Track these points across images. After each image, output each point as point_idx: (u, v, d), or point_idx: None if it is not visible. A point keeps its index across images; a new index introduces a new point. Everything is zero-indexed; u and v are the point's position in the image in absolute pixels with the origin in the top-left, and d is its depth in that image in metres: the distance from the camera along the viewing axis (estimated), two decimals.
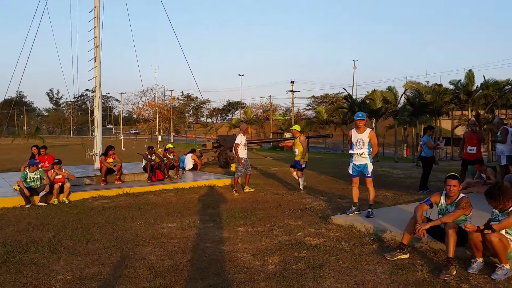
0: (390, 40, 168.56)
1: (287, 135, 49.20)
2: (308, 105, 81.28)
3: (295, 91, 55.37)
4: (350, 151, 7.18)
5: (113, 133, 77.80)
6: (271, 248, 5.56)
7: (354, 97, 39.17)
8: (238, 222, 7.15)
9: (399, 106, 33.99)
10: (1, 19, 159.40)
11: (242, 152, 10.39)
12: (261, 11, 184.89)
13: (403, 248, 5.02)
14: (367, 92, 37.74)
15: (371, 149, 7.04)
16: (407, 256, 5.00)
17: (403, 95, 34.38)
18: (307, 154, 10.61)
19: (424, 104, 30.71)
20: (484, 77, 32.28)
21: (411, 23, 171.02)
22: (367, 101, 34.51)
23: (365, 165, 7.03)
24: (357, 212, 7.11)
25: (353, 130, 7.21)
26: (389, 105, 32.90)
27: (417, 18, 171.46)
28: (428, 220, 4.96)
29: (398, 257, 4.95)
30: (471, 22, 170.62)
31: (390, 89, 33.97)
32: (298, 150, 10.51)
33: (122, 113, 69.28)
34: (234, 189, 10.34)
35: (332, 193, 10.21)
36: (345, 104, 39.47)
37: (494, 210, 4.65)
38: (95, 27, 12.65)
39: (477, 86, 32.02)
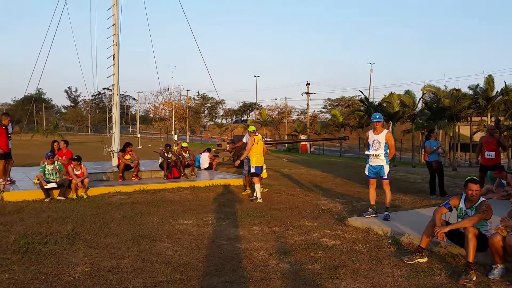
0: (407, 43, 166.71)
1: (302, 137, 49.07)
2: (323, 108, 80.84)
3: (311, 93, 55.31)
4: (366, 152, 7.14)
5: (130, 131, 78.76)
6: (286, 247, 5.56)
7: (370, 100, 38.82)
8: (254, 221, 7.16)
9: (417, 110, 33.55)
10: (21, 16, 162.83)
11: None
12: (277, 12, 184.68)
13: (421, 252, 4.96)
14: (384, 95, 37.29)
15: (387, 151, 6.98)
16: (425, 259, 4.94)
17: (421, 99, 33.91)
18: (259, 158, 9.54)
19: (443, 108, 30.22)
20: (505, 82, 31.57)
21: (428, 27, 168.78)
22: (384, 104, 34.10)
23: (381, 167, 6.96)
24: (374, 215, 7.03)
25: (370, 131, 7.16)
26: (407, 109, 32.48)
27: (434, 22, 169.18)
28: (447, 223, 4.89)
29: (416, 260, 4.89)
30: (489, 27, 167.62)
31: (408, 92, 33.55)
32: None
33: (139, 112, 70.01)
34: (247, 188, 10.44)
35: (348, 196, 10.14)
36: (361, 107, 39.10)
37: None
38: (113, 24, 12.81)
39: (497, 92, 31.41)
